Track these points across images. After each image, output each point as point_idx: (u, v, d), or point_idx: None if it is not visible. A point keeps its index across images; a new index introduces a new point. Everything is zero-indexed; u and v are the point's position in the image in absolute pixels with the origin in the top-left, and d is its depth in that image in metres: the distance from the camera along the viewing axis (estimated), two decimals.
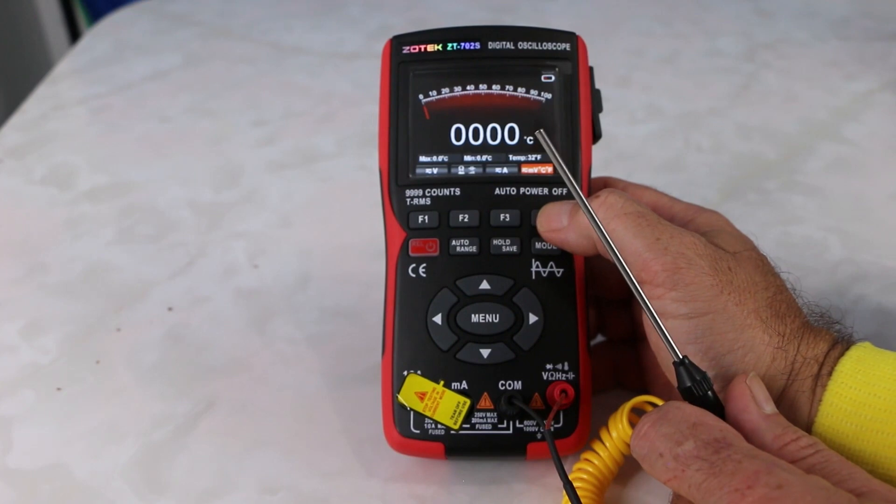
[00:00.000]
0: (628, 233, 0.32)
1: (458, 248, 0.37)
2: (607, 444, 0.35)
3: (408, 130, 0.38)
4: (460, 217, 0.37)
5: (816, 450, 0.27)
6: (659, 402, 0.33)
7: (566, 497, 0.32)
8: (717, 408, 0.30)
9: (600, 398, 0.40)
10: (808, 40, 0.81)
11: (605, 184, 0.39)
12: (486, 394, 0.35)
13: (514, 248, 0.36)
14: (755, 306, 0.31)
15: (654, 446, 0.27)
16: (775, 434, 0.27)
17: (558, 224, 0.35)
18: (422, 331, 0.36)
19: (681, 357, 0.30)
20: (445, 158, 0.38)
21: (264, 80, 0.77)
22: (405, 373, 0.36)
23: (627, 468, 0.36)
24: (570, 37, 0.38)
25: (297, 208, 0.58)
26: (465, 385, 0.35)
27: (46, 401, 0.43)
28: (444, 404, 0.35)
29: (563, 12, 0.91)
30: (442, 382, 0.36)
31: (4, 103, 1.38)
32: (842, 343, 0.31)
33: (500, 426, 0.35)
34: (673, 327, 0.31)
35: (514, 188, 0.37)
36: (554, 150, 0.35)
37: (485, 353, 0.36)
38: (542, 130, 0.35)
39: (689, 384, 0.29)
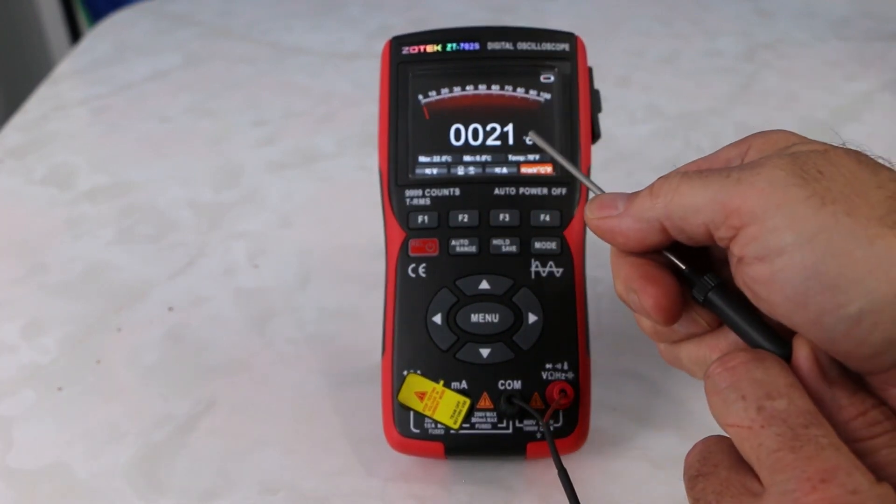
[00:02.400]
0: (695, 188, 0.26)
1: (457, 248, 0.37)
2: None
3: (407, 131, 0.38)
4: (460, 217, 0.37)
5: (885, 429, 0.24)
6: None
7: None
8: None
9: (602, 400, 0.40)
10: (808, 40, 0.81)
11: None
12: (485, 393, 0.35)
13: (514, 248, 0.37)
14: (872, 211, 0.24)
15: (738, 385, 0.24)
16: (847, 402, 0.24)
17: (612, 210, 0.30)
18: (421, 331, 0.36)
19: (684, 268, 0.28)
20: (445, 158, 0.38)
21: (264, 80, 0.77)
22: (405, 372, 0.36)
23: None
24: (569, 37, 0.38)
25: (297, 208, 0.58)
26: (464, 385, 0.36)
27: (47, 401, 0.43)
28: (443, 404, 0.35)
29: (562, 12, 0.91)
30: (442, 382, 0.36)
31: (5, 103, 1.38)
32: None
33: (499, 426, 0.35)
34: (786, 265, 0.24)
35: (513, 188, 0.37)
36: (550, 147, 0.34)
37: (484, 352, 0.36)
38: (533, 132, 0.35)
39: (713, 284, 0.27)
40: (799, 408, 0.24)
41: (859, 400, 0.24)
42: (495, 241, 0.37)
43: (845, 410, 0.24)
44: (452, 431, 0.35)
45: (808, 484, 0.22)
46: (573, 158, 0.37)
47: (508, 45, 0.38)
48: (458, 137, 0.38)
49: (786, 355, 0.25)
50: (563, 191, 0.37)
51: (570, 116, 0.37)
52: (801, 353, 0.25)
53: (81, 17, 1.50)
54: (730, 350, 0.27)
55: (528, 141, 0.37)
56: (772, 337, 0.26)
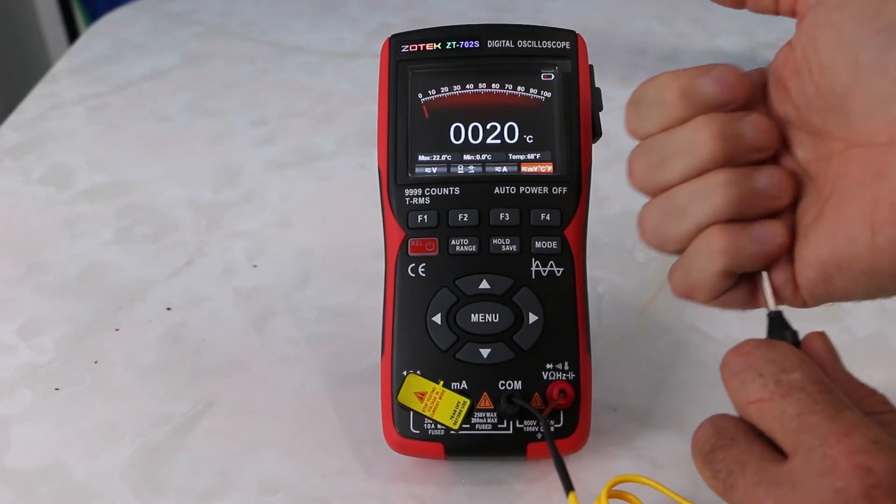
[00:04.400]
0: None
1: (457, 248, 0.36)
2: None
3: (407, 129, 0.38)
4: (460, 216, 0.37)
5: (889, 408, 0.25)
6: (645, 480, 0.32)
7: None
8: None
9: (602, 400, 0.40)
10: None
11: None
12: (485, 393, 0.35)
13: (514, 248, 0.36)
14: None
15: (754, 365, 0.26)
16: (852, 388, 0.26)
17: None
18: (421, 331, 0.36)
19: (776, 309, 0.29)
20: (445, 157, 0.38)
21: (264, 80, 0.77)
22: (405, 373, 0.36)
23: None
24: (570, 35, 0.38)
25: (296, 208, 0.58)
26: (464, 385, 0.35)
27: (44, 401, 0.42)
28: (443, 404, 0.35)
29: (563, 11, 0.91)
30: (441, 382, 0.35)
31: (3, 103, 1.38)
32: None
33: (499, 426, 0.35)
34: None
35: (513, 187, 0.37)
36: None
37: (484, 352, 0.35)
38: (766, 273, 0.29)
39: (785, 333, 0.28)
40: (813, 378, 0.25)
41: (864, 386, 0.26)
42: (495, 241, 0.36)
43: (856, 391, 0.26)
44: (452, 432, 0.35)
45: (834, 437, 0.23)
46: (574, 156, 0.37)
47: (508, 43, 0.38)
48: (457, 136, 0.38)
49: (795, 343, 0.27)
50: (564, 190, 0.37)
51: (571, 115, 0.37)
52: (815, 343, 0.27)
53: (79, 15, 1.50)
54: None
55: (529, 139, 0.37)
56: (781, 329, 0.28)
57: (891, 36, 0.25)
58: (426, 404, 0.35)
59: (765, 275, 0.29)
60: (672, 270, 0.30)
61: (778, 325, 0.29)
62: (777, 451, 0.25)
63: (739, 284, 0.29)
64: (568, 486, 0.31)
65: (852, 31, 0.25)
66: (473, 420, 0.35)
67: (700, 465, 0.26)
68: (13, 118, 0.71)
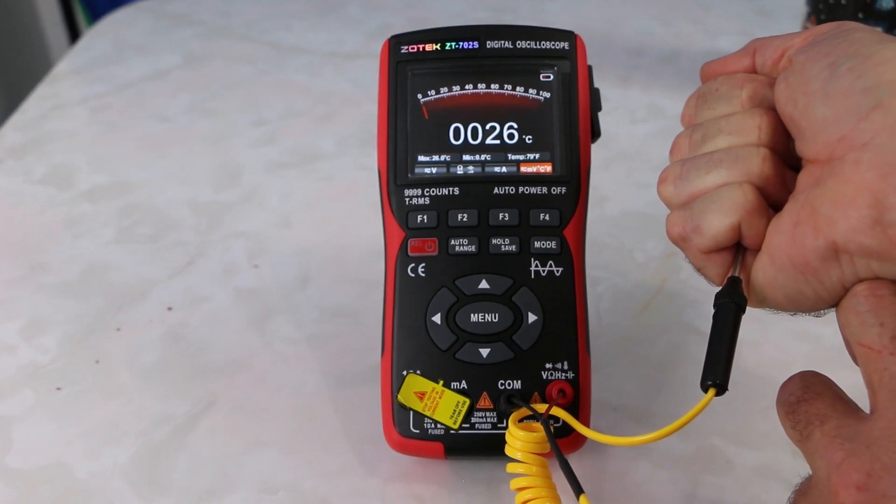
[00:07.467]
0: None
1: (457, 248, 0.37)
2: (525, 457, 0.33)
3: (406, 130, 0.38)
4: (459, 216, 0.37)
5: None
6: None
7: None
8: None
9: (602, 400, 0.40)
10: None
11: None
12: (485, 393, 0.35)
13: (513, 248, 0.36)
14: None
15: (880, 312, 0.25)
16: None
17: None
18: (421, 330, 0.36)
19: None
20: (444, 158, 0.38)
21: (264, 80, 0.77)
22: (404, 372, 0.36)
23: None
24: (569, 36, 0.38)
25: (296, 208, 0.58)
26: (464, 384, 0.35)
27: (46, 400, 0.42)
28: (443, 404, 0.35)
29: (562, 11, 0.91)
30: (441, 382, 0.36)
31: (4, 103, 1.38)
32: None
33: (499, 426, 0.35)
34: None
35: (512, 187, 0.37)
36: None
37: (484, 352, 0.36)
38: None
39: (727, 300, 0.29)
40: None
41: None
42: (495, 241, 0.37)
43: None
44: (452, 431, 0.35)
45: None
46: (573, 157, 0.37)
47: (508, 44, 0.38)
48: (457, 136, 0.38)
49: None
50: (563, 190, 0.37)
51: (570, 115, 0.37)
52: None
53: (80, 16, 1.50)
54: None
55: (528, 140, 0.37)
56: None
57: (837, 68, 0.27)
58: (426, 404, 0.35)
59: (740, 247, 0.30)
60: (673, 216, 0.31)
61: (730, 287, 0.29)
62: (860, 412, 0.25)
63: (724, 252, 0.30)
64: (578, 490, 0.30)
65: (809, 67, 0.28)
66: (473, 420, 0.35)
67: (783, 416, 0.27)
68: (15, 118, 0.71)
